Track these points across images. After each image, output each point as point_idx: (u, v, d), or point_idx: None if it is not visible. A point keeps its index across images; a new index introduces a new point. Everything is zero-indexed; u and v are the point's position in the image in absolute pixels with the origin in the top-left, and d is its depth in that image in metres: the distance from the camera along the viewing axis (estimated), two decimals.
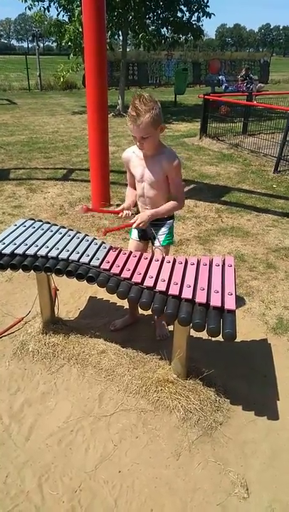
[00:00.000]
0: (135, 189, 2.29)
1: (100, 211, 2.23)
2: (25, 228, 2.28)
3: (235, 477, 1.66)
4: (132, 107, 1.90)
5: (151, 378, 2.06)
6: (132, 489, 1.62)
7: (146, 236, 2.34)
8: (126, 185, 2.37)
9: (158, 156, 2.06)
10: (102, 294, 2.82)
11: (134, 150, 2.15)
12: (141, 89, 18.52)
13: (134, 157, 2.16)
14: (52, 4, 9.90)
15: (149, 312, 1.81)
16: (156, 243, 2.27)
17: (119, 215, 2.22)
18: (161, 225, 2.26)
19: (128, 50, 12.54)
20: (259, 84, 14.01)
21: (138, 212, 2.32)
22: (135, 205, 2.30)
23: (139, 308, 2.32)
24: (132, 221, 2.07)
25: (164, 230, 2.26)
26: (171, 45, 11.58)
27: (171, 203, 2.14)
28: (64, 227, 2.30)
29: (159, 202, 2.15)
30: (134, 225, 2.06)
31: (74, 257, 2.00)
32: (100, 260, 1.98)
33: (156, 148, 2.06)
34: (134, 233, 2.36)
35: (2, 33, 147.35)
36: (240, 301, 2.79)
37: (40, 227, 2.30)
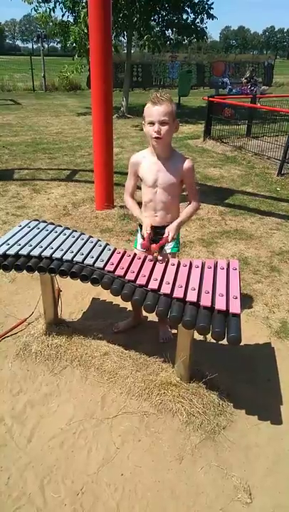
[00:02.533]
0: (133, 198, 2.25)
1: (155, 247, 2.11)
2: (29, 229, 2.28)
3: (239, 482, 1.65)
4: (154, 95, 1.93)
5: (154, 381, 2.05)
6: (134, 493, 1.61)
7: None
8: None
9: (172, 159, 2.05)
10: (105, 295, 2.81)
11: (145, 155, 2.10)
12: (145, 90, 18.57)
13: (144, 161, 2.09)
14: (57, 5, 9.94)
15: (153, 315, 1.81)
16: (166, 251, 2.24)
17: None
18: None
19: (132, 51, 12.56)
20: (263, 87, 14.03)
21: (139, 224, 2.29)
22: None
23: (142, 311, 2.31)
24: (165, 237, 2.04)
25: None
26: (174, 46, 11.61)
27: (190, 209, 2.14)
28: (68, 229, 2.30)
29: (170, 207, 2.11)
30: (169, 240, 2.05)
31: (78, 258, 1.99)
32: (104, 262, 1.98)
33: (169, 150, 2.04)
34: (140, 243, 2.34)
35: (7, 33, 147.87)
36: (243, 304, 2.78)
37: (44, 228, 2.30)
